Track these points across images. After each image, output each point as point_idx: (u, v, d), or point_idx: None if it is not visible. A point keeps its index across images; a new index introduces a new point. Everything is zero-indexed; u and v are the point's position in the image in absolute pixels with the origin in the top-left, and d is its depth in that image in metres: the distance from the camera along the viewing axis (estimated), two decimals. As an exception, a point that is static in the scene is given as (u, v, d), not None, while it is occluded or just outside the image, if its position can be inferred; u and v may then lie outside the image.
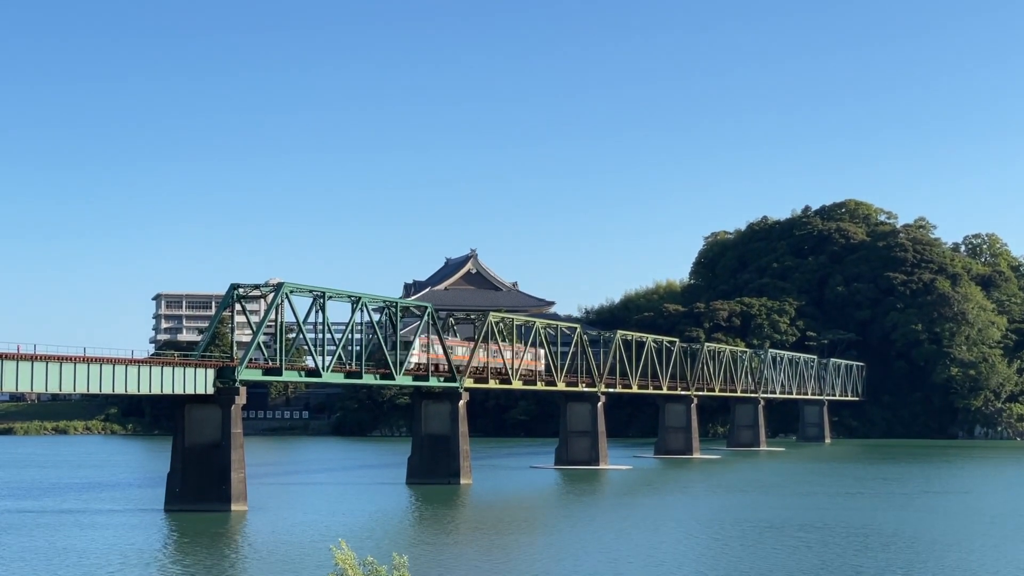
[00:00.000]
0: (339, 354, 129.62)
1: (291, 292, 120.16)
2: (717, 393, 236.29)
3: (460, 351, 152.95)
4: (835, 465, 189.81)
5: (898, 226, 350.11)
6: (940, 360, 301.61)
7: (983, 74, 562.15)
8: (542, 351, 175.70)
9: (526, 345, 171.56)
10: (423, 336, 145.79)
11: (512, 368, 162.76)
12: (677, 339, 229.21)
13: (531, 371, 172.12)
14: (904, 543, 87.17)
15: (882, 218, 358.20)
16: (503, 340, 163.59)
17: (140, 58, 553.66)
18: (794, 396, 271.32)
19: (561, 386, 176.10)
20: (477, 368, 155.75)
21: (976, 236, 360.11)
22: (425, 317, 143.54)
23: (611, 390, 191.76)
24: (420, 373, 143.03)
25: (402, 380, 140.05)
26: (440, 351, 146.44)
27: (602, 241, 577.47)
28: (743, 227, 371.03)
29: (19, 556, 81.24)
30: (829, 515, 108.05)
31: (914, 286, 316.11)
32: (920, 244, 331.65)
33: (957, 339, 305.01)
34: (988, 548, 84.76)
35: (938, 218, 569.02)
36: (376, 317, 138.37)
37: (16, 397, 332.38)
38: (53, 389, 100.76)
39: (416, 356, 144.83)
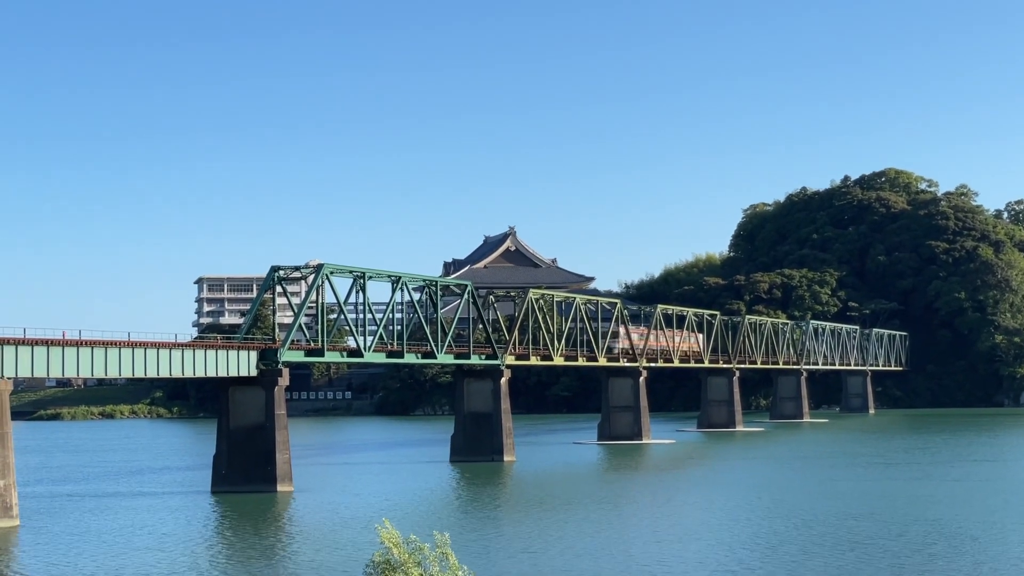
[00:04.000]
0: (380, 334, 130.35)
1: (331, 273, 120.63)
2: (759, 366, 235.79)
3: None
4: (879, 436, 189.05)
5: (939, 194, 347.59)
6: (984, 328, 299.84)
7: (1022, 39, 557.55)
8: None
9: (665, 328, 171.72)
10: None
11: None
12: (718, 312, 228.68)
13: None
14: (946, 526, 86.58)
15: (923, 186, 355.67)
16: (543, 317, 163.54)
17: (184, 37, 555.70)
18: (837, 367, 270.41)
19: (602, 361, 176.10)
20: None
21: (1019, 202, 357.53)
22: (465, 296, 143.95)
23: (653, 364, 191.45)
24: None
25: (443, 359, 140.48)
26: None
27: (641, 215, 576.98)
28: (782, 199, 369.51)
29: (70, 538, 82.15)
30: (874, 490, 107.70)
31: (956, 254, 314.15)
32: (962, 212, 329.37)
33: (1001, 306, 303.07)
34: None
35: (980, 185, 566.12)
36: (416, 296, 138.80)
37: (63, 383, 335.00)
38: (99, 374, 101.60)
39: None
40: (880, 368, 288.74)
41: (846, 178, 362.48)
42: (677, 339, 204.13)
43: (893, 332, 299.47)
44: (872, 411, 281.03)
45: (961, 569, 64.53)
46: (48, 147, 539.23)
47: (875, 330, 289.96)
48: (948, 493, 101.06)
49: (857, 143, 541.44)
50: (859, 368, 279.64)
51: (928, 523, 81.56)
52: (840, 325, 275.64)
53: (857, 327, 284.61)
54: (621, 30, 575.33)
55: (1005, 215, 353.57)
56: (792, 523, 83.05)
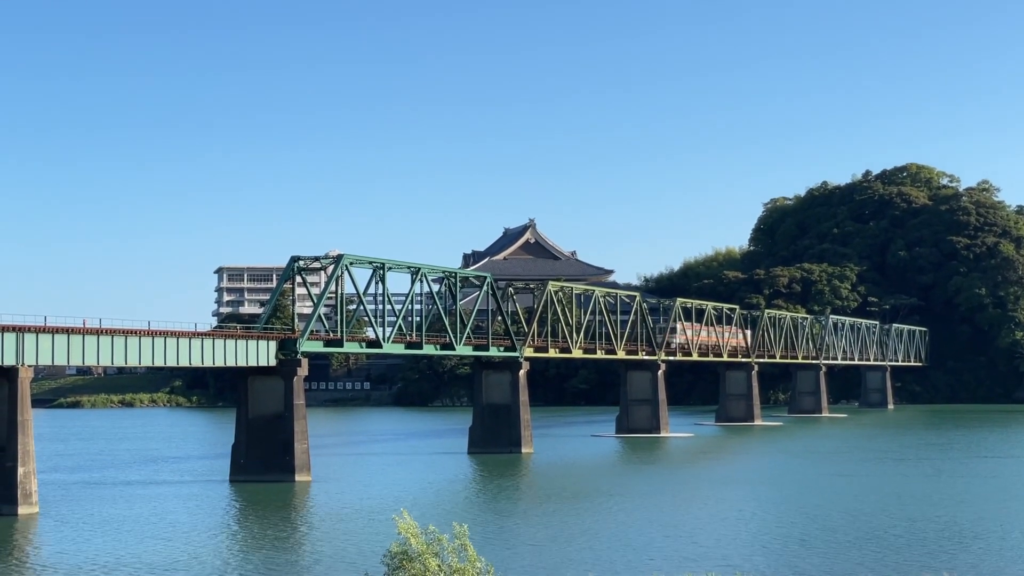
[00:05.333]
0: (399, 325, 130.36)
1: (351, 264, 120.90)
2: (778, 360, 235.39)
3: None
4: (896, 432, 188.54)
5: (960, 189, 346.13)
6: (1005, 324, 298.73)
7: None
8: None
9: (588, 313, 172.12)
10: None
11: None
12: (737, 306, 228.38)
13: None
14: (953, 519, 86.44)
15: (944, 181, 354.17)
16: (563, 309, 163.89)
17: (202, 27, 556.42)
18: (856, 362, 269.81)
19: (621, 354, 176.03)
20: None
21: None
22: (484, 287, 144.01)
23: (671, 358, 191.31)
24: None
25: (462, 350, 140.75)
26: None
27: (661, 209, 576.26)
28: (803, 193, 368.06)
29: (90, 525, 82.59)
30: (883, 486, 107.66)
31: (977, 250, 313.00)
32: (983, 207, 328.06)
33: (1022, 303, 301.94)
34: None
35: (1002, 180, 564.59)
36: (436, 287, 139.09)
37: (83, 371, 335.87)
38: (119, 363, 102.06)
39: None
40: (900, 363, 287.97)
41: (867, 173, 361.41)
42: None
43: (913, 327, 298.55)
44: (891, 406, 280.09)
45: (960, 566, 64.32)
46: (70, 138, 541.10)
47: (895, 325, 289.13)
48: (958, 490, 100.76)
49: (879, 137, 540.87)
50: (878, 363, 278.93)
51: (933, 520, 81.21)
52: (860, 320, 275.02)
53: (877, 322, 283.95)
54: (643, 21, 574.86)
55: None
56: (799, 518, 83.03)
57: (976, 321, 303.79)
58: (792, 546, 71.44)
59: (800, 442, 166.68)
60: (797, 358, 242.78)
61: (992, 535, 75.03)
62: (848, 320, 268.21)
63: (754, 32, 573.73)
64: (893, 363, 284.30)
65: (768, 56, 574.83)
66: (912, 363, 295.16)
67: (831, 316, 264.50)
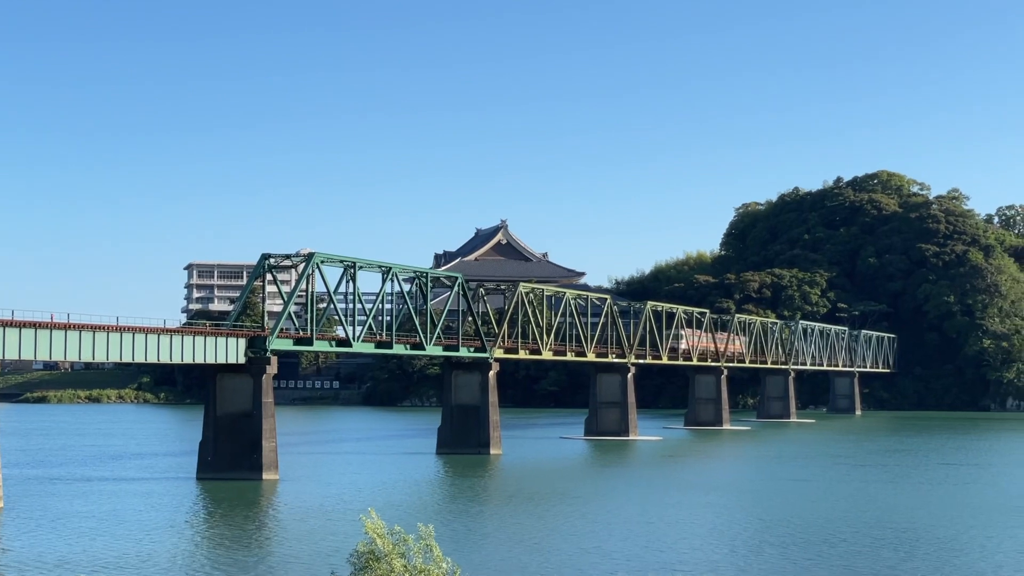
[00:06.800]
0: (370, 324, 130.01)
1: (322, 262, 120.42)
2: (747, 364, 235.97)
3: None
4: (862, 438, 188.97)
5: (931, 197, 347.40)
6: (972, 332, 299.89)
7: (1017, 44, 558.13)
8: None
9: (558, 315, 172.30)
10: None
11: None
12: (707, 310, 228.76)
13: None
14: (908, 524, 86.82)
15: (914, 189, 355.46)
16: (533, 311, 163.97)
17: (167, 26, 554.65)
18: (825, 368, 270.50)
19: (591, 357, 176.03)
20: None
21: (1010, 207, 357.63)
22: (455, 288, 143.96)
23: (641, 361, 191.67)
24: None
25: (432, 350, 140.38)
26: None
27: (633, 212, 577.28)
28: (774, 198, 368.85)
29: (53, 523, 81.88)
30: (844, 491, 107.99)
31: (946, 258, 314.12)
32: (953, 215, 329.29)
33: (990, 311, 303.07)
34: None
35: (971, 189, 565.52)
36: (407, 287, 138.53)
37: (50, 366, 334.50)
38: (86, 358, 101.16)
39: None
40: (868, 370, 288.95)
41: (838, 179, 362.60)
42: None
43: (881, 334, 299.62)
44: (859, 412, 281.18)
45: (913, 572, 64.81)
46: (39, 135, 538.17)
47: (863, 332, 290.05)
48: (917, 497, 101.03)
49: (850, 144, 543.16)
50: (847, 369, 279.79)
51: (890, 527, 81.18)
52: (829, 326, 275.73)
53: (846, 328, 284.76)
54: (616, 26, 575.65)
55: (996, 220, 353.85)
56: (758, 523, 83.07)
57: (944, 329, 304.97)
58: (749, 550, 71.62)
59: (766, 446, 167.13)
60: (766, 363, 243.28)
61: (942, 541, 75.50)
62: (817, 326, 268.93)
63: (727, 39, 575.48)
64: (861, 369, 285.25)
65: (741, 63, 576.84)
66: (880, 369, 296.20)
67: (801, 321, 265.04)
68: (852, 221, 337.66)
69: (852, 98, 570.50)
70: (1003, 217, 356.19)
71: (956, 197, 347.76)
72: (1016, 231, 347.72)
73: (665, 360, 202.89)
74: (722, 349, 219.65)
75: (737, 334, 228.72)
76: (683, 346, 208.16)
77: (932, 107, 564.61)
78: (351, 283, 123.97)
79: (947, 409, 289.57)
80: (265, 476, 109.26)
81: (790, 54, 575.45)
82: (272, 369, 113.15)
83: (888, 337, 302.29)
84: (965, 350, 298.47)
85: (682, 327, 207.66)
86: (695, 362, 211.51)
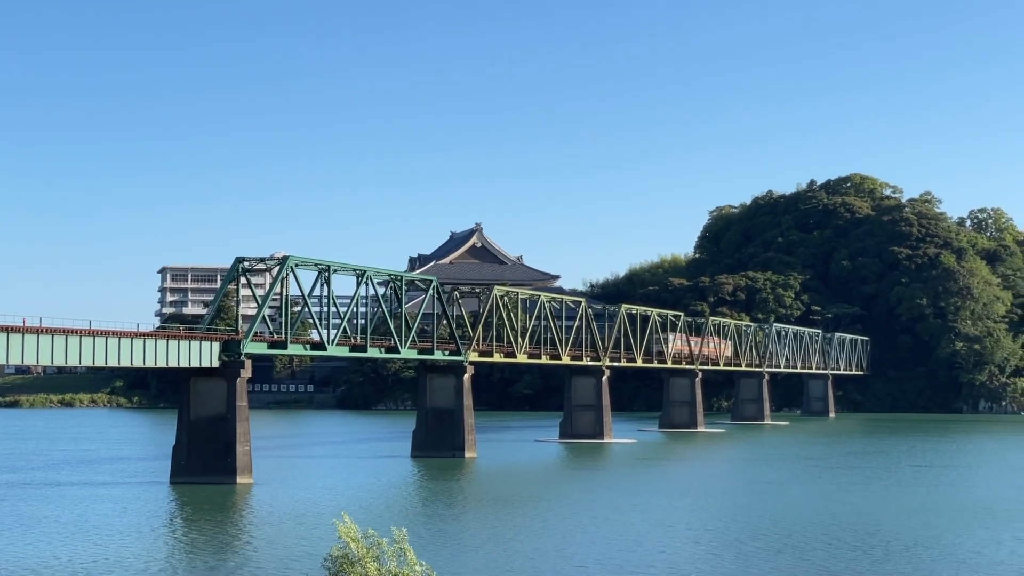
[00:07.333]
0: (344, 327, 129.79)
1: (296, 265, 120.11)
2: (722, 367, 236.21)
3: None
4: (835, 440, 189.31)
5: (903, 200, 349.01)
6: (945, 335, 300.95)
7: (989, 47, 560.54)
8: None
9: (534, 318, 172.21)
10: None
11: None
12: (682, 313, 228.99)
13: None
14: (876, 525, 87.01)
15: (887, 192, 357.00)
16: (508, 314, 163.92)
17: (140, 30, 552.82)
18: (798, 370, 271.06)
19: (566, 360, 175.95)
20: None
21: (982, 210, 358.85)
22: (430, 291, 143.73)
23: (616, 364, 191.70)
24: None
25: (407, 353, 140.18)
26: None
27: (608, 215, 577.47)
28: (748, 201, 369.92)
29: (26, 528, 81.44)
30: (812, 492, 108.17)
31: (919, 260, 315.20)
32: (925, 218, 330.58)
33: (962, 313, 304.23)
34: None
35: (943, 192, 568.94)
36: (381, 291, 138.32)
37: (22, 370, 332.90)
38: (59, 362, 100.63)
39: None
40: (841, 372, 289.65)
41: (812, 182, 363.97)
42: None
43: (855, 337, 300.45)
44: (832, 415, 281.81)
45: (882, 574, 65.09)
46: (10, 138, 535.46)
47: (837, 334, 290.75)
48: (886, 499, 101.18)
49: (823, 147, 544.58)
50: (820, 372, 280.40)
51: (859, 530, 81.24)
52: (803, 329, 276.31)
53: (819, 331, 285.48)
54: (588, 29, 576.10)
55: (968, 223, 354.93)
56: (730, 526, 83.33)
57: (917, 331, 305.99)
58: (718, 554, 71.73)
59: (740, 449, 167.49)
60: (741, 366, 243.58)
61: (909, 542, 75.65)
62: (791, 328, 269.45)
63: (700, 43, 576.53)
64: (835, 372, 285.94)
65: (714, 66, 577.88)
66: (854, 372, 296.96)
67: (775, 324, 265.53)
68: (825, 224, 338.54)
69: (825, 101, 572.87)
70: (975, 220, 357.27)
71: (928, 200, 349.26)
72: (988, 234, 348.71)
73: (640, 363, 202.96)
74: (708, 353, 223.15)
75: (723, 338, 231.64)
76: (669, 350, 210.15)
77: (904, 110, 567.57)
78: (325, 286, 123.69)
79: (920, 411, 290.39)
80: (239, 480, 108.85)
81: (763, 57, 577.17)
82: (246, 373, 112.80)
83: (861, 340, 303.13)
84: (938, 352, 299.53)
85: (669, 331, 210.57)
86: (670, 365, 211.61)
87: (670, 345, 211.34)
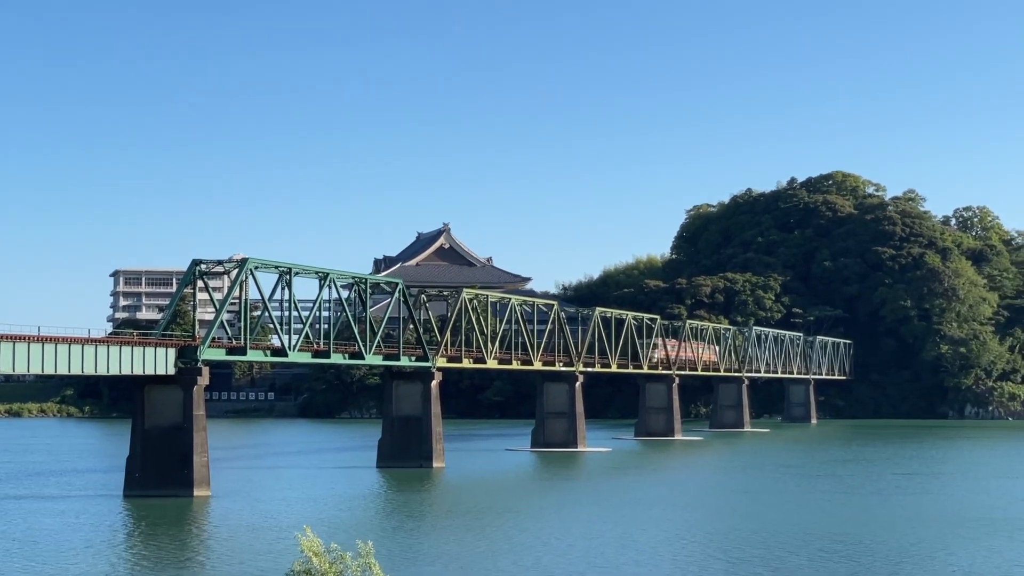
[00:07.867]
0: (306, 333, 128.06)
1: (256, 268, 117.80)
2: (700, 372, 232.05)
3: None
4: (816, 448, 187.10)
5: (886, 199, 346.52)
6: (930, 337, 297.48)
7: (974, 44, 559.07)
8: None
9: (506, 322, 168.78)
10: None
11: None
12: (658, 316, 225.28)
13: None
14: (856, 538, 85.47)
15: (870, 190, 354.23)
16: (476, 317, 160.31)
17: (102, 33, 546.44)
18: (779, 375, 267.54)
19: (537, 365, 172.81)
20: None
21: (967, 209, 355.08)
22: (396, 294, 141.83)
23: (590, 369, 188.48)
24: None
25: (372, 359, 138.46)
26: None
27: (580, 215, 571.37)
28: (727, 200, 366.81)
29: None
30: (790, 502, 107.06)
31: (903, 261, 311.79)
32: (909, 217, 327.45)
33: (947, 316, 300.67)
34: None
35: (928, 190, 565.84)
36: (345, 294, 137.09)
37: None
38: (6, 370, 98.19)
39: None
40: (823, 377, 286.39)
41: (792, 180, 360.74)
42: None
43: (837, 340, 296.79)
44: (814, 421, 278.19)
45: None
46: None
47: (819, 338, 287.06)
48: (867, 509, 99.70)
49: (804, 144, 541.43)
50: (802, 376, 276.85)
51: (839, 540, 79.86)
52: (783, 332, 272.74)
53: (801, 334, 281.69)
54: (563, 30, 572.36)
55: (953, 222, 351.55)
56: (704, 537, 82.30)
57: (901, 334, 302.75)
58: (694, 566, 70.90)
59: (718, 457, 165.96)
60: (719, 371, 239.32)
61: (890, 553, 74.51)
62: (771, 332, 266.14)
63: (677, 42, 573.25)
64: (817, 376, 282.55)
65: (692, 63, 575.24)
66: (836, 376, 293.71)
67: (754, 327, 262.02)
68: (806, 223, 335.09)
69: (805, 97, 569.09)
70: (960, 219, 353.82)
71: (912, 198, 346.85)
72: (974, 233, 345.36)
73: (615, 368, 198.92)
74: (693, 357, 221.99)
75: (710, 343, 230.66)
76: (659, 355, 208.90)
77: (887, 107, 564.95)
78: (287, 290, 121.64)
79: (904, 417, 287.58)
80: (196, 493, 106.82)
81: (741, 55, 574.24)
82: (203, 380, 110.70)
83: (844, 343, 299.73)
84: (922, 356, 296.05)
85: (647, 335, 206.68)
86: (646, 370, 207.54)
87: (659, 350, 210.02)
